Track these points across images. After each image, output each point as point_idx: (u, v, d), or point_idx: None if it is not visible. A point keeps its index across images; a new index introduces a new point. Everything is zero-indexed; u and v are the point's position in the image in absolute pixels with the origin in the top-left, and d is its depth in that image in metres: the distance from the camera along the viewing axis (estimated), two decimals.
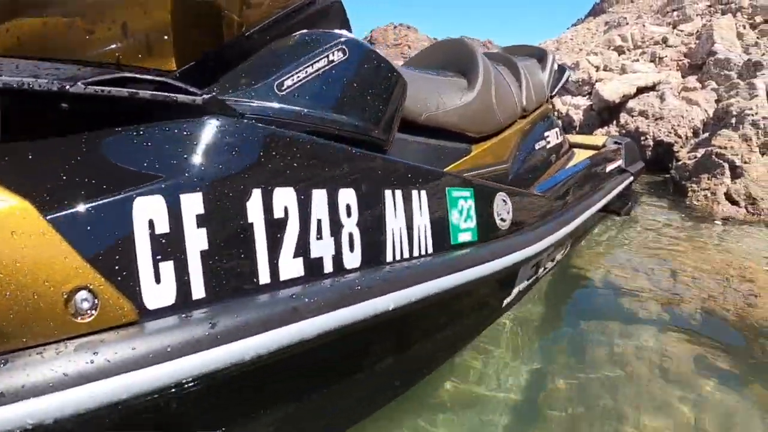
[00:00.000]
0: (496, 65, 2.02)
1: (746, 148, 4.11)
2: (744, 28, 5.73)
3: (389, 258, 1.07)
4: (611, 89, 6.09)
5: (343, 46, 1.06)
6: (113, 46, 0.90)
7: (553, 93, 2.52)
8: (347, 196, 0.97)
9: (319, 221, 0.92)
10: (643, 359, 1.73)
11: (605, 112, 6.26)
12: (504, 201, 1.50)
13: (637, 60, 6.68)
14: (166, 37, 0.89)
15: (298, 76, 0.98)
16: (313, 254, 0.91)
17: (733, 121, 4.34)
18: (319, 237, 0.92)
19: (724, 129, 4.33)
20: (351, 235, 0.98)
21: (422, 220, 1.16)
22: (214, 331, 0.70)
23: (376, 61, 1.14)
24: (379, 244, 1.05)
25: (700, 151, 4.46)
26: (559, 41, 9.62)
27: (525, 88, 2.11)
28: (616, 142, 3.06)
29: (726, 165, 4.11)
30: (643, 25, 7.47)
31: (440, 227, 1.23)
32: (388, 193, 1.06)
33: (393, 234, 1.08)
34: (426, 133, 1.51)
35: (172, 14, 0.88)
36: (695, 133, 5.09)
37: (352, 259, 0.99)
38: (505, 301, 1.75)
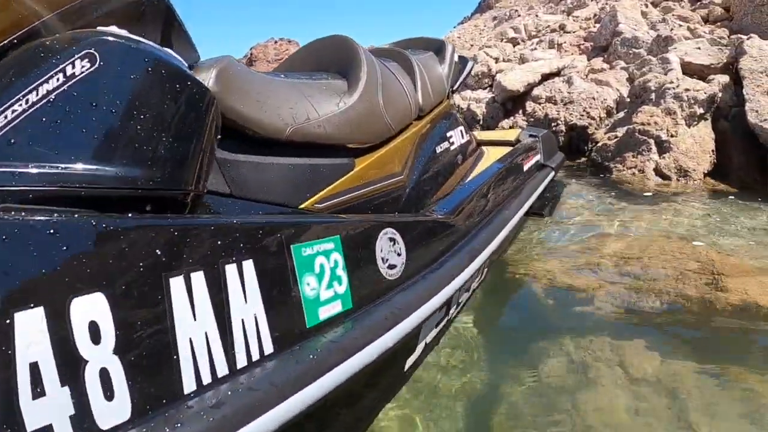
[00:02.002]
0: (385, 62, 1.72)
1: (671, 122, 3.81)
2: (646, 6, 5.59)
3: (187, 388, 0.65)
4: (514, 79, 5.75)
5: (92, 50, 0.67)
6: None
7: (455, 87, 2.21)
8: (91, 307, 0.57)
9: (34, 366, 0.51)
10: (602, 362, 1.55)
11: (509, 103, 5.91)
12: (392, 240, 1.16)
13: (535, 49, 6.42)
14: None
15: (15, 111, 0.61)
16: (32, 425, 0.50)
17: (653, 96, 4.04)
18: (39, 392, 0.51)
19: (645, 105, 4.03)
20: (104, 374, 0.57)
21: (248, 309, 0.75)
22: None
23: (154, 66, 0.72)
24: (166, 373, 0.63)
25: (620, 130, 4.15)
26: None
27: (420, 85, 1.80)
28: (531, 135, 2.71)
29: (652, 141, 3.80)
30: (536, 15, 7.27)
31: (284, 310, 0.82)
32: (176, 282, 0.66)
33: (191, 348, 0.66)
34: (293, 151, 1.21)
35: None
36: (609, 114, 4.80)
37: (113, 413, 0.57)
38: (409, 362, 1.36)
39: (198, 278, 0.68)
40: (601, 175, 3.98)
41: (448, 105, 2.08)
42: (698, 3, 5.35)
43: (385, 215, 1.33)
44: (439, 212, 1.52)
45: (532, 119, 5.36)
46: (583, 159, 4.58)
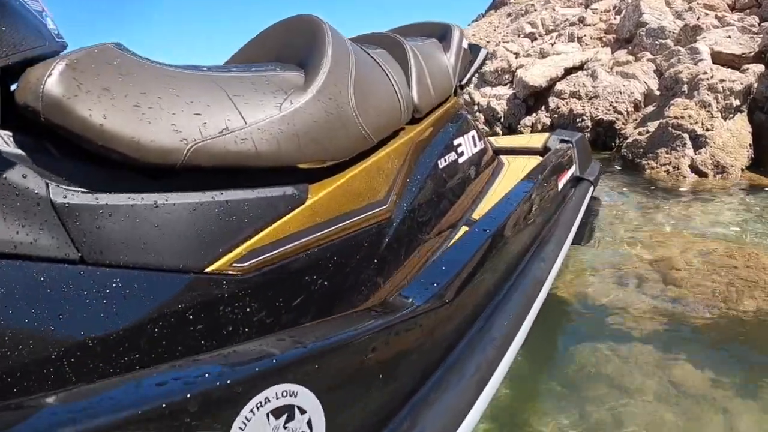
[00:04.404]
0: (371, 49, 1.34)
1: (706, 115, 3.71)
2: None
3: None
4: (535, 74, 5.66)
5: None
6: None
7: (464, 81, 1.78)
8: None
9: None
10: (648, 381, 1.40)
11: (531, 99, 5.83)
12: (285, 413, 0.62)
13: (555, 43, 6.32)
14: None
15: None
16: None
17: (686, 88, 3.94)
18: None
19: (677, 98, 3.93)
20: None
21: None
22: None
23: None
24: None
25: (651, 125, 4.05)
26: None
27: (416, 79, 1.40)
28: (563, 140, 2.15)
29: (686, 135, 3.70)
30: (554, 9, 7.17)
31: None
32: None
33: None
34: (196, 182, 0.78)
35: None
36: (636, 108, 4.71)
37: None
38: None
39: None
40: (633, 173, 3.88)
41: (456, 103, 1.68)
42: None
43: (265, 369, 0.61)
44: (420, 293, 0.95)
45: (555, 116, 5.27)
46: (610, 154, 4.50)
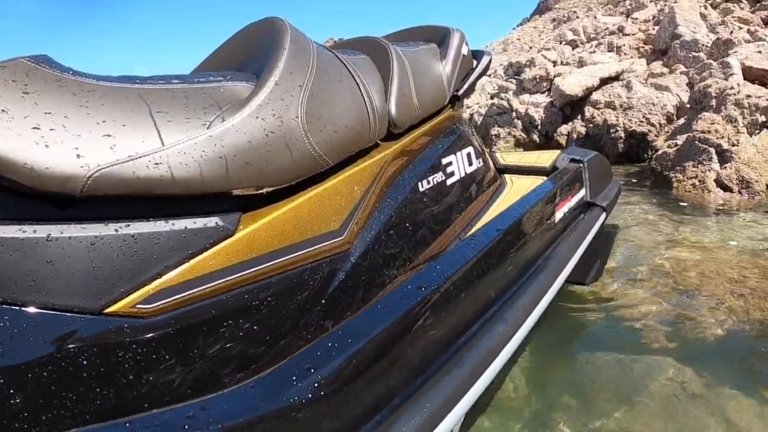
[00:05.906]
0: (352, 55, 1.22)
1: (732, 130, 3.82)
2: (705, 8, 5.54)
3: None
4: (572, 83, 5.81)
5: None
6: None
7: (461, 91, 1.58)
8: None
9: None
10: (660, 392, 1.44)
11: (567, 108, 5.97)
12: None
13: (594, 51, 6.43)
14: None
15: None
16: None
17: (714, 102, 4.05)
18: None
19: (705, 112, 4.04)
20: None
21: None
22: None
23: None
24: None
25: (681, 138, 4.17)
26: (505, 42, 9.42)
27: (396, 89, 1.23)
28: (573, 159, 1.96)
29: (713, 150, 3.81)
30: (595, 17, 7.25)
31: None
32: None
33: None
34: (99, 211, 0.71)
35: None
36: (669, 120, 4.81)
37: None
38: None
39: None
40: (661, 185, 4.01)
41: (451, 116, 1.51)
42: (758, 4, 5.27)
43: None
44: (289, 379, 0.79)
45: (590, 125, 5.41)
46: (641, 166, 4.60)
